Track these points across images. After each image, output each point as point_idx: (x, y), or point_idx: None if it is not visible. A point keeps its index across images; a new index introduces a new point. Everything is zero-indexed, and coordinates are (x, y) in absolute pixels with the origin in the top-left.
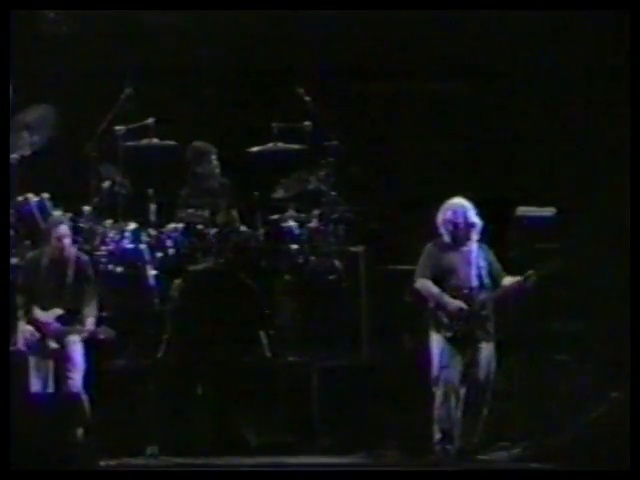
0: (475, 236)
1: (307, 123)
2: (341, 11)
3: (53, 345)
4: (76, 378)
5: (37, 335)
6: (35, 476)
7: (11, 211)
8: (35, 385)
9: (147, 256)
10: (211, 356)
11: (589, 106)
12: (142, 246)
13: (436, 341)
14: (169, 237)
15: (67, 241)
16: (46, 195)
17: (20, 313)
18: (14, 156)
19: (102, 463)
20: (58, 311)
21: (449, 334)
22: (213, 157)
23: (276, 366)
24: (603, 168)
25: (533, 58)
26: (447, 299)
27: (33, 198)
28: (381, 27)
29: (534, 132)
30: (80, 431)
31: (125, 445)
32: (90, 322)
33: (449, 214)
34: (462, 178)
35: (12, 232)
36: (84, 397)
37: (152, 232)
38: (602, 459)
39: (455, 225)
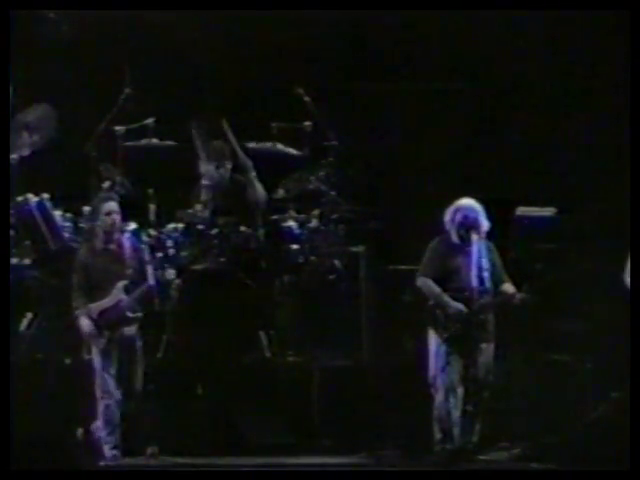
0: (482, 237)
1: (307, 123)
2: (341, 11)
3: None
4: (140, 375)
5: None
6: (35, 476)
7: (11, 211)
8: (107, 386)
9: (147, 256)
10: (211, 356)
11: (589, 106)
12: (142, 246)
13: (434, 340)
14: (169, 237)
15: (117, 217)
16: (46, 195)
17: (80, 312)
18: (14, 156)
19: (102, 463)
20: (121, 283)
21: (445, 334)
22: (227, 162)
23: (276, 366)
24: (603, 168)
25: (533, 58)
26: (448, 300)
27: (33, 198)
28: (381, 27)
29: (534, 132)
30: (80, 431)
31: (125, 445)
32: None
33: (459, 216)
34: (462, 178)
35: (12, 232)
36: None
37: (152, 232)
38: (602, 459)
39: (464, 227)
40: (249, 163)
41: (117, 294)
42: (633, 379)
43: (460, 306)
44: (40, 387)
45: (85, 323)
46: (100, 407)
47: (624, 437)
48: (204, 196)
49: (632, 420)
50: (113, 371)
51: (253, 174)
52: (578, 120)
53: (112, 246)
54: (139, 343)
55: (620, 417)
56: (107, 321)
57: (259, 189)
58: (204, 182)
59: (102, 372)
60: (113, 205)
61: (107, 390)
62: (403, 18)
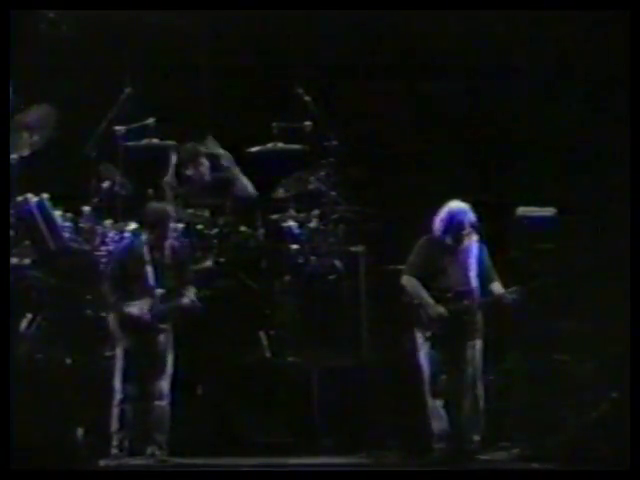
0: (471, 237)
1: (307, 123)
2: (341, 11)
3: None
4: (164, 383)
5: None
6: (35, 476)
7: (11, 211)
8: (121, 386)
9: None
10: (211, 356)
11: (589, 106)
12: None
13: (420, 339)
14: None
15: (171, 233)
16: (46, 195)
17: (112, 310)
18: (14, 156)
19: (102, 463)
20: (158, 291)
21: (428, 334)
22: (202, 160)
23: (276, 366)
24: (603, 168)
25: (533, 58)
26: (430, 301)
27: (33, 198)
28: (381, 27)
29: (534, 132)
30: (80, 431)
31: (127, 445)
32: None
33: (449, 219)
34: (462, 178)
35: (12, 232)
36: (167, 406)
37: None
38: (602, 459)
39: (454, 229)
40: (229, 157)
41: (150, 301)
42: (633, 379)
43: (441, 309)
44: (40, 387)
45: (113, 320)
46: (113, 405)
47: (624, 437)
48: (192, 198)
49: (632, 420)
50: (132, 372)
51: (237, 169)
52: (578, 120)
53: (155, 253)
54: (169, 353)
55: (620, 417)
56: (134, 324)
57: (246, 184)
58: (193, 185)
59: (119, 369)
60: (173, 225)
61: (120, 389)
62: (403, 18)
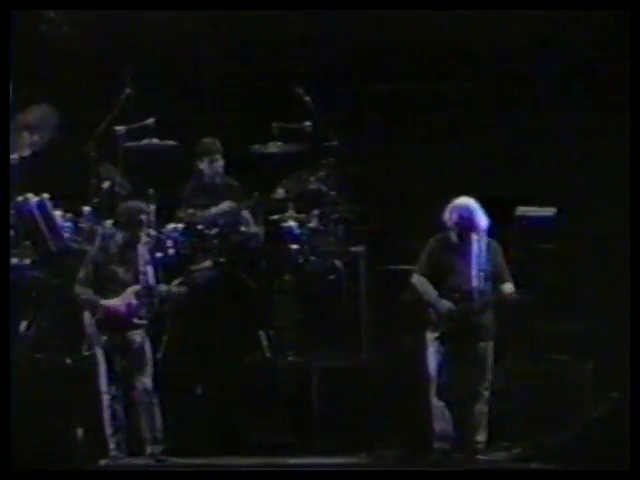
0: (482, 235)
1: (307, 123)
2: (341, 11)
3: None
4: (147, 380)
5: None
6: (35, 476)
7: (11, 211)
8: (106, 385)
9: (147, 256)
10: (211, 356)
11: (589, 106)
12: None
13: (429, 339)
14: (169, 237)
15: (143, 227)
16: (46, 195)
17: (87, 309)
18: (14, 156)
19: (102, 463)
20: (135, 287)
21: (437, 333)
22: (218, 156)
23: (276, 366)
24: (603, 168)
25: (533, 58)
26: (438, 299)
27: (33, 198)
28: (381, 27)
29: (534, 132)
30: (80, 431)
31: (125, 445)
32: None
33: (455, 216)
34: (462, 178)
35: (12, 232)
36: (155, 400)
37: (152, 232)
38: (602, 459)
39: (461, 226)
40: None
41: (128, 297)
42: (633, 379)
43: (450, 305)
44: (40, 387)
45: (89, 318)
46: (104, 408)
47: (624, 437)
48: (196, 197)
49: (632, 420)
50: (115, 371)
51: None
52: (578, 120)
53: (128, 250)
54: (147, 348)
55: (620, 417)
56: (110, 322)
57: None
58: (203, 181)
59: (103, 371)
60: (145, 218)
61: (107, 390)
62: (403, 18)
